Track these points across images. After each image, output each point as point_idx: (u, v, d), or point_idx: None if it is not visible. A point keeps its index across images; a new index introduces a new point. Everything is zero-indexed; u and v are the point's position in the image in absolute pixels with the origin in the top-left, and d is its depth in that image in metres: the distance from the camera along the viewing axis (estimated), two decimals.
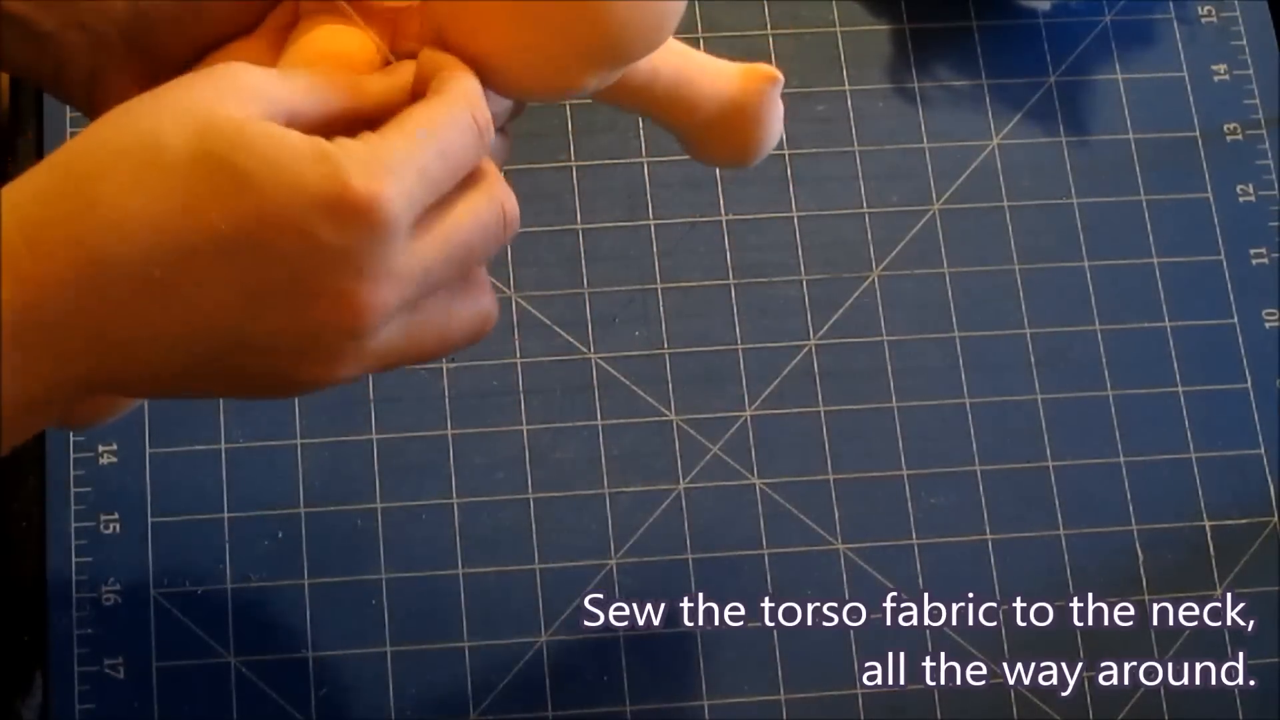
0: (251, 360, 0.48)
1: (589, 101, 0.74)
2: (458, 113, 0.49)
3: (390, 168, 0.46)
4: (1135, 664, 0.68)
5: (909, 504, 0.70)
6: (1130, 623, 0.69)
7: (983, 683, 0.67)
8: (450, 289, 0.50)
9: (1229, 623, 0.69)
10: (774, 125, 0.58)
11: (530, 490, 0.68)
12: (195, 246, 0.45)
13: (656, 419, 0.70)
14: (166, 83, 0.48)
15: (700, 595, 0.68)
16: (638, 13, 0.50)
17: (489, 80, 0.51)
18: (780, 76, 0.57)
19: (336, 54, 0.51)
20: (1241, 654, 0.68)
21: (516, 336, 0.70)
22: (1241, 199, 0.75)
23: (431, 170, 0.48)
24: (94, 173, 0.46)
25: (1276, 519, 0.71)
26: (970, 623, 0.68)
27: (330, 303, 0.47)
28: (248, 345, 0.48)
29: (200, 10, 0.53)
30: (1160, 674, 0.68)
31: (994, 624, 0.68)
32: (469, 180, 0.50)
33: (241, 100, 0.47)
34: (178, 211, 0.45)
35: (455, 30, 0.51)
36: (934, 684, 0.67)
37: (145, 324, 0.47)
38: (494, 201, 0.50)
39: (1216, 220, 0.75)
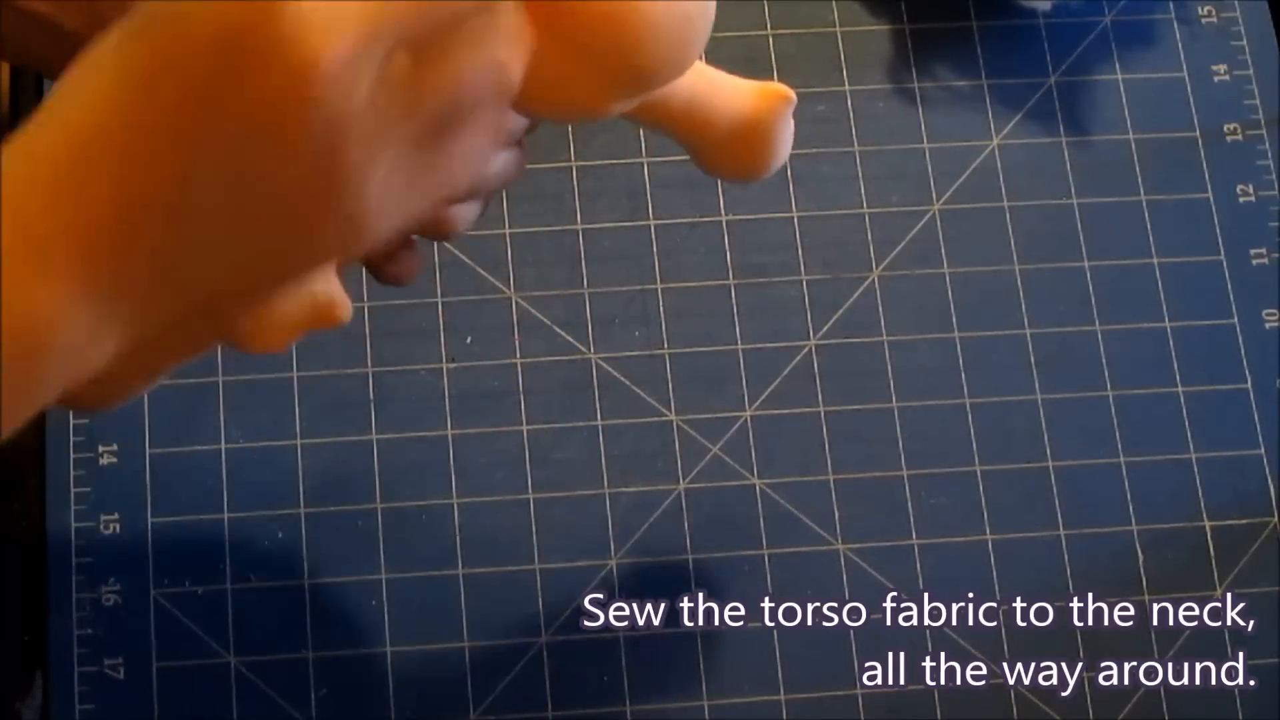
0: (247, 185, 0.45)
1: None
2: None
3: (336, 23, 0.42)
4: (1135, 664, 0.68)
5: (909, 504, 0.70)
6: (1130, 623, 0.69)
7: (983, 683, 0.67)
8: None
9: (1229, 623, 0.69)
10: (785, 143, 0.59)
11: (530, 490, 0.69)
12: (128, 90, 0.43)
13: (656, 419, 0.70)
14: None
15: (700, 595, 0.68)
16: (669, 44, 0.50)
17: (517, 103, 0.50)
18: (794, 96, 0.58)
19: None
20: (1241, 654, 0.68)
21: (516, 336, 0.71)
22: (1241, 199, 0.75)
23: (388, 26, 0.43)
24: (56, 87, 0.45)
25: (1276, 519, 0.71)
26: (970, 623, 0.68)
27: (266, 62, 0.42)
28: (227, 170, 0.44)
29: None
30: (1160, 674, 0.68)
31: (994, 624, 0.68)
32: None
33: None
34: (117, 61, 0.44)
35: None
36: (934, 684, 0.67)
37: (131, 193, 0.44)
38: (491, 57, 0.46)
39: (1216, 220, 0.75)
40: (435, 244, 0.71)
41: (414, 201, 0.48)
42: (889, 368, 0.71)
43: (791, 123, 0.58)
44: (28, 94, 0.72)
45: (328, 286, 0.53)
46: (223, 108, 0.43)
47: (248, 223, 0.46)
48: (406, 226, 0.49)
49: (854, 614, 0.68)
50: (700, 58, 0.53)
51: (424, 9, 0.44)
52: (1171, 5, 0.78)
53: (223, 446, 0.68)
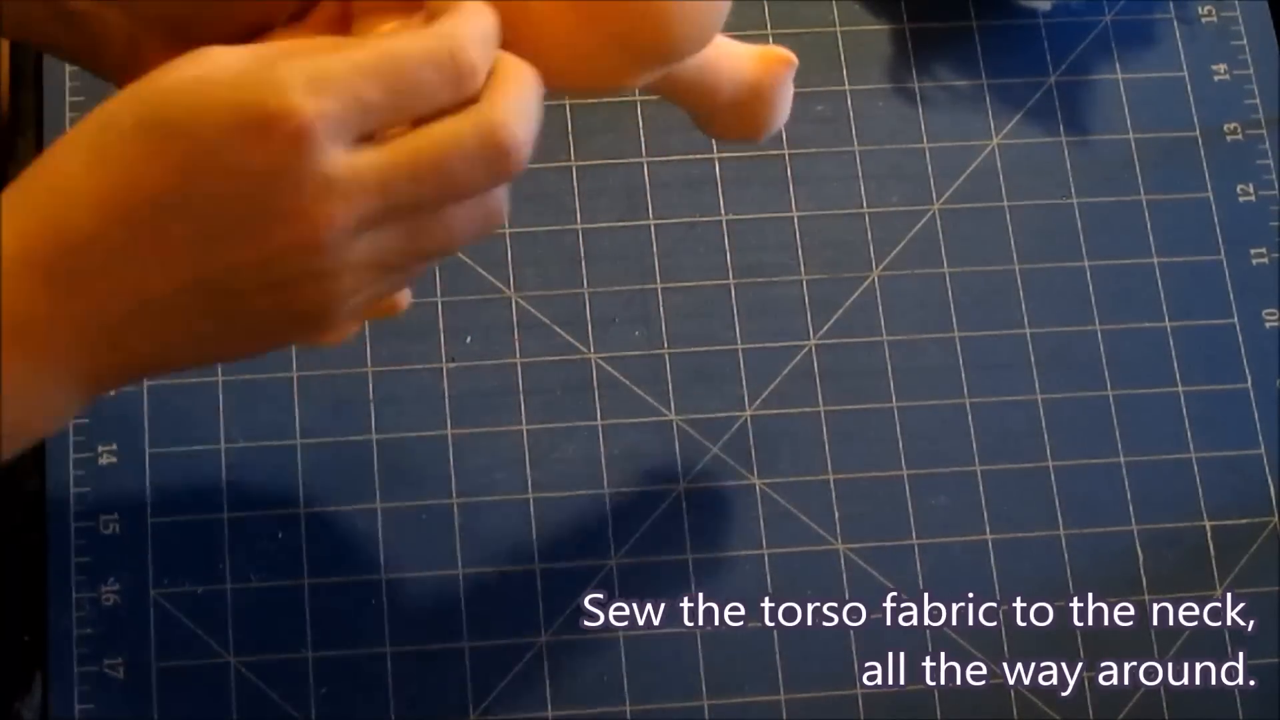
0: (237, 305, 0.49)
1: (589, 101, 0.74)
2: (429, 43, 0.48)
3: (313, 81, 0.46)
4: (1135, 664, 0.68)
5: (909, 504, 0.70)
6: (1130, 623, 0.69)
7: (983, 683, 0.67)
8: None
9: (1229, 623, 0.69)
10: (786, 105, 0.60)
11: (530, 490, 0.68)
12: (138, 204, 0.47)
13: (656, 419, 0.70)
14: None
15: (700, 595, 0.68)
16: (695, 17, 0.52)
17: (545, 81, 0.51)
18: (794, 59, 0.59)
19: None
20: (1241, 654, 0.68)
21: (516, 336, 0.70)
22: (1241, 199, 0.75)
23: (363, 90, 0.47)
24: (59, 156, 0.48)
25: (1276, 519, 0.71)
26: (970, 623, 0.68)
27: (279, 223, 0.47)
28: (223, 289, 0.48)
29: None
30: (1160, 674, 0.68)
31: (994, 624, 0.68)
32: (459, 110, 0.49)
33: (199, 65, 0.48)
34: (122, 175, 0.47)
35: (516, 29, 0.51)
36: (934, 684, 0.67)
37: (119, 292, 0.48)
38: (480, 123, 0.49)
39: (1216, 220, 0.75)
40: None
41: (391, 283, 0.52)
42: (889, 368, 0.71)
43: (791, 85, 0.59)
44: (28, 93, 0.72)
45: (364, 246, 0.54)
46: (236, 244, 0.47)
47: (237, 326, 0.50)
48: (397, 280, 0.53)
49: (854, 614, 0.68)
50: None
51: (423, 182, 0.48)
52: (1171, 5, 0.78)
53: (223, 446, 0.68)
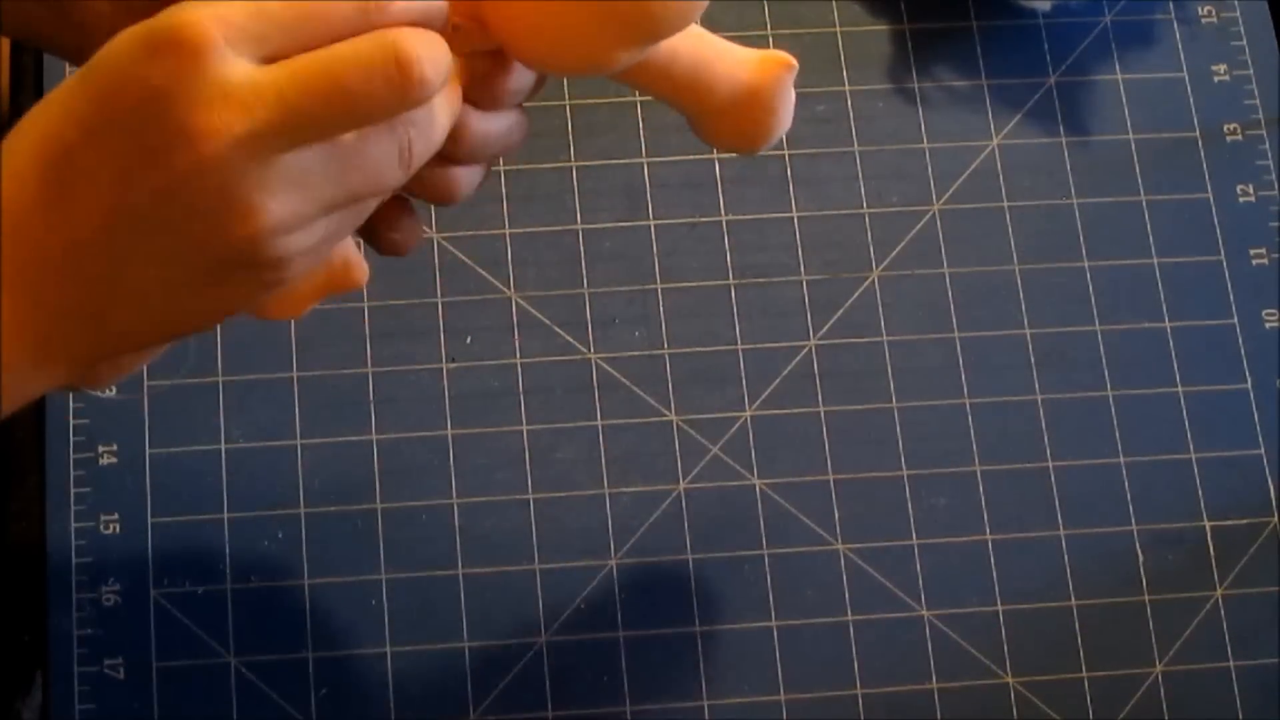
0: (167, 244, 0.48)
1: (589, 101, 0.74)
2: None
3: (219, 2, 0.46)
4: (1135, 664, 0.68)
5: (909, 504, 0.70)
6: (1130, 623, 0.69)
7: (983, 683, 0.67)
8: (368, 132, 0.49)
9: (1229, 623, 0.69)
10: (786, 112, 0.58)
11: (530, 490, 0.68)
12: (65, 138, 0.47)
13: (656, 419, 0.70)
14: None
15: (700, 595, 0.68)
16: None
17: (523, 55, 0.51)
18: (795, 63, 0.58)
19: None
20: (1241, 654, 0.68)
21: (516, 336, 0.70)
22: (1241, 199, 0.75)
23: (275, 14, 0.47)
24: (21, 120, 0.49)
25: (1276, 519, 0.71)
26: (970, 623, 0.68)
27: (180, 140, 0.46)
28: (146, 224, 0.47)
29: None
30: (1160, 674, 0.68)
31: (994, 624, 0.68)
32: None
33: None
34: (56, 115, 0.48)
35: (499, 9, 0.51)
36: (934, 684, 0.67)
37: (52, 233, 0.48)
38: (381, 41, 0.48)
39: (1216, 220, 0.75)
40: (435, 245, 0.71)
41: (346, 217, 0.50)
42: (889, 368, 0.71)
43: (792, 92, 0.58)
44: (28, 94, 0.72)
45: (344, 250, 0.54)
46: (142, 168, 0.47)
47: (175, 270, 0.48)
48: (331, 222, 0.51)
49: (854, 614, 0.68)
50: (698, 23, 0.54)
51: (323, 100, 0.47)
52: (1171, 5, 0.78)
53: (223, 446, 0.68)
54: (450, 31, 0.50)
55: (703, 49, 0.56)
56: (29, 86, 0.72)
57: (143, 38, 0.46)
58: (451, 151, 0.53)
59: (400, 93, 0.48)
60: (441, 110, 0.50)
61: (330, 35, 0.47)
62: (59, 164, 0.47)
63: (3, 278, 0.48)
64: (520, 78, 0.52)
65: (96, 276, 0.48)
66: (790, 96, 0.58)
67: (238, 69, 0.46)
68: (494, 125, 0.53)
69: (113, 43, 0.47)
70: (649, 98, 0.59)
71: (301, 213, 0.48)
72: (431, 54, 0.48)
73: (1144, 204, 0.75)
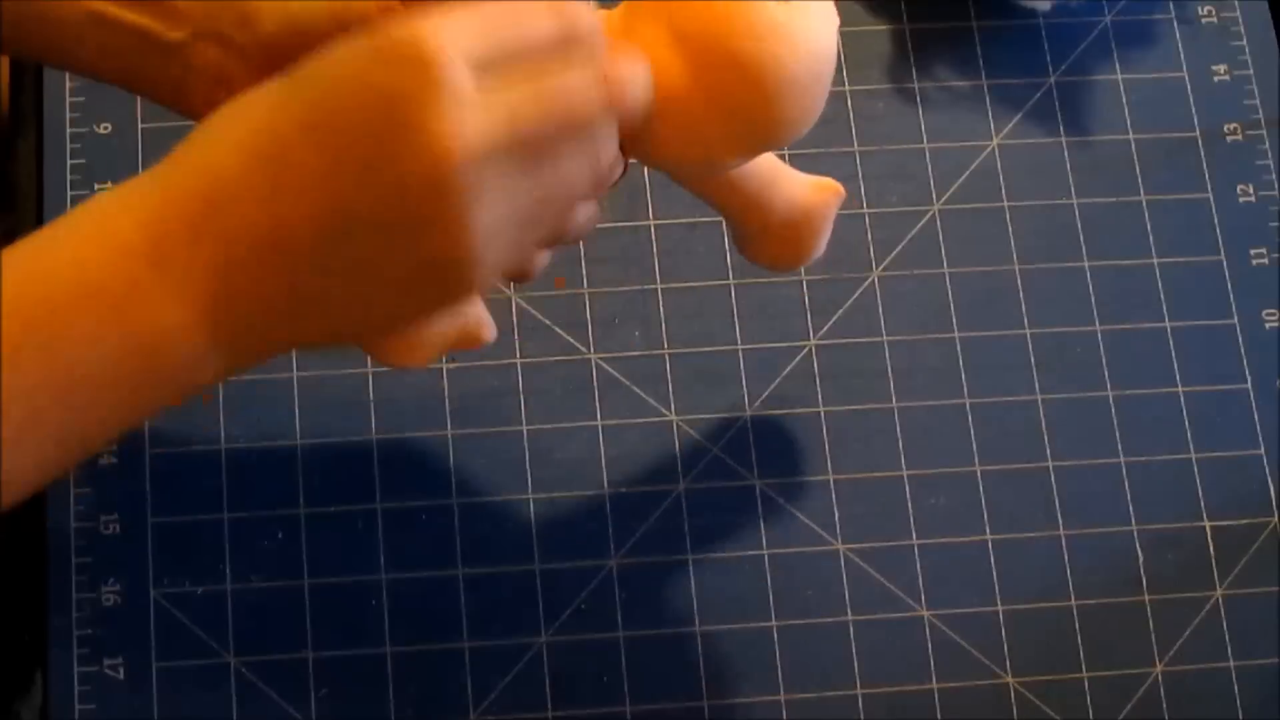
0: (370, 247, 0.49)
1: None
2: None
3: (430, 14, 0.48)
4: (1135, 664, 0.68)
5: (909, 504, 0.70)
6: (1130, 623, 0.69)
7: (983, 683, 0.67)
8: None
9: (1229, 623, 0.69)
10: (827, 234, 0.63)
11: (530, 490, 0.69)
12: (281, 138, 0.48)
13: (656, 419, 0.70)
14: None
15: (700, 595, 0.68)
16: (805, 106, 0.54)
17: (647, 150, 0.54)
18: (843, 191, 0.62)
19: None
20: (1241, 654, 0.68)
21: (516, 337, 0.71)
22: (1241, 199, 0.75)
23: (490, 23, 0.48)
24: (203, 125, 0.50)
25: (1276, 519, 0.71)
26: (970, 623, 0.68)
27: (413, 139, 0.47)
28: (356, 225, 0.48)
29: (350, 26, 0.54)
30: (1160, 674, 0.68)
31: (994, 624, 0.68)
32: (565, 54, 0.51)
33: None
34: (265, 117, 0.49)
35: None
36: (934, 684, 0.67)
37: (256, 226, 0.48)
38: (597, 67, 0.50)
39: (1216, 220, 0.75)
40: None
41: (517, 249, 0.52)
42: (889, 368, 0.71)
43: (834, 218, 0.63)
44: (28, 94, 0.72)
45: (476, 310, 0.56)
46: (368, 169, 0.47)
47: (370, 274, 0.49)
48: (506, 270, 0.54)
49: (854, 614, 0.68)
50: None
51: (547, 117, 0.49)
52: (1171, 5, 0.78)
53: (223, 446, 0.68)
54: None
55: (772, 169, 0.60)
56: (29, 87, 0.72)
57: (377, 47, 0.47)
58: (562, 235, 0.55)
59: (614, 117, 0.51)
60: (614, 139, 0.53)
61: (537, 49, 0.49)
62: (272, 159, 0.48)
63: (187, 266, 0.48)
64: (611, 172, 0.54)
65: (291, 272, 0.49)
66: (832, 221, 0.63)
67: (467, 80, 0.47)
68: (580, 215, 0.56)
69: (329, 55, 0.48)
70: None
71: (501, 233, 0.50)
72: (641, 86, 0.52)
73: (1144, 204, 0.75)
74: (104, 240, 0.48)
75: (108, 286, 0.48)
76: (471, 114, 0.47)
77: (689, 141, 0.54)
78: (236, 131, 0.49)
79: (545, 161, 0.50)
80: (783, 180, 0.61)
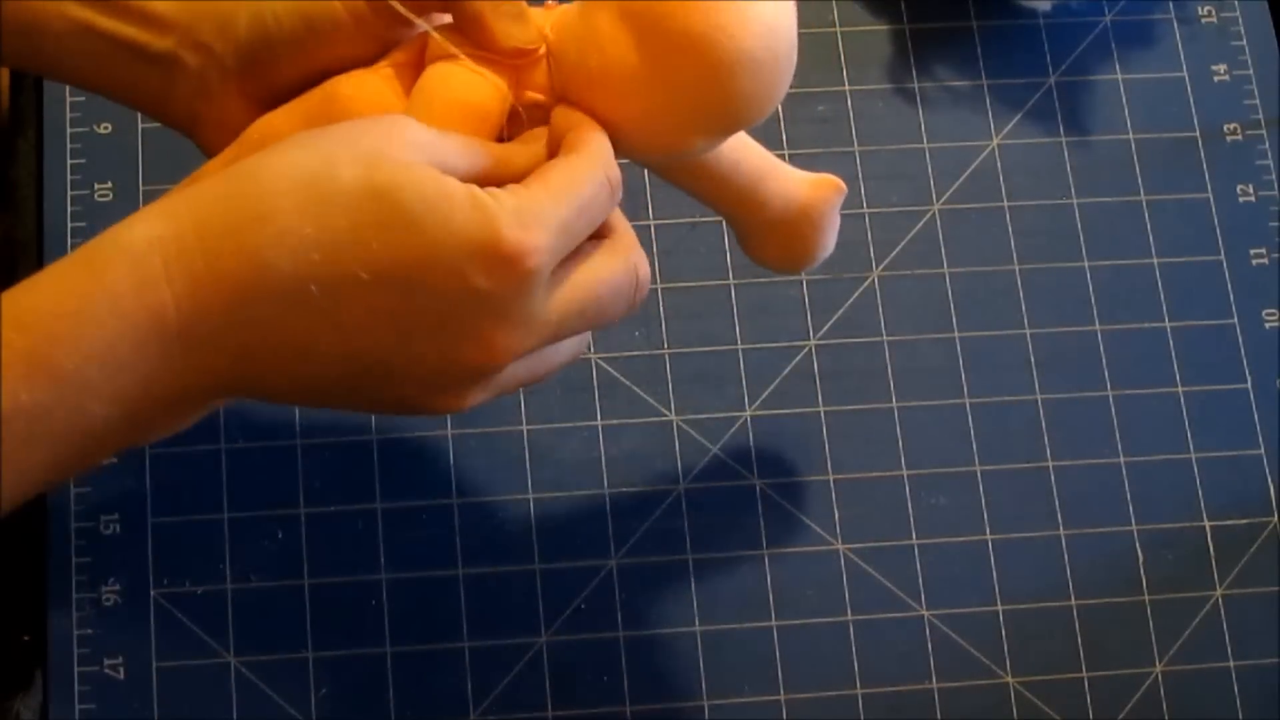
0: (387, 386, 0.51)
1: None
2: (596, 170, 0.52)
3: (539, 220, 0.49)
4: (1135, 664, 0.68)
5: (909, 504, 0.70)
6: (1130, 623, 0.69)
7: (983, 683, 0.67)
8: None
9: (1229, 623, 0.69)
10: (832, 234, 0.63)
11: (530, 490, 0.68)
12: (353, 273, 0.48)
13: (656, 419, 0.70)
14: (337, 123, 0.51)
15: (700, 595, 0.68)
16: (760, 82, 0.53)
17: (616, 142, 0.54)
18: (845, 187, 0.62)
19: (467, 103, 0.53)
20: (1241, 654, 0.68)
21: None
22: (1241, 199, 0.75)
23: (572, 225, 0.51)
24: (269, 192, 0.49)
25: (1276, 519, 0.71)
26: (970, 623, 0.68)
27: (472, 343, 0.50)
28: (388, 373, 0.50)
29: (321, 37, 0.55)
30: (1160, 674, 0.68)
31: (994, 624, 0.68)
32: (603, 238, 0.54)
33: (407, 146, 0.50)
34: (343, 236, 0.48)
35: (585, 91, 0.53)
36: (934, 684, 0.67)
37: (294, 338, 0.49)
38: (629, 264, 0.54)
39: (1216, 220, 0.75)
40: None
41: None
42: (889, 368, 0.71)
43: (839, 215, 0.62)
44: (28, 94, 0.72)
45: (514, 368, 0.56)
46: (431, 336, 0.50)
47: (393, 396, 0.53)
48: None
49: (854, 614, 0.68)
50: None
51: (583, 319, 0.53)
52: (1171, 5, 0.78)
53: (223, 446, 0.68)
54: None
55: (763, 164, 0.60)
56: (29, 87, 0.72)
57: (483, 242, 0.48)
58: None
59: (631, 309, 0.55)
60: None
61: (593, 227, 0.53)
62: (331, 289, 0.48)
63: (214, 360, 0.49)
64: None
65: (317, 391, 0.52)
66: (836, 220, 0.62)
67: (542, 298, 0.51)
68: None
69: (436, 209, 0.49)
70: None
71: (496, 394, 0.53)
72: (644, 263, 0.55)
73: (1144, 204, 0.75)
74: (141, 306, 0.48)
75: (133, 360, 0.48)
76: (526, 332, 0.50)
77: (652, 128, 0.54)
78: (303, 234, 0.48)
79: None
80: (777, 176, 0.61)
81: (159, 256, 0.48)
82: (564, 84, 0.54)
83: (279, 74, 0.55)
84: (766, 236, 0.62)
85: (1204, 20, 0.78)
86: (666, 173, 0.60)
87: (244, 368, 0.50)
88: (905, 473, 0.70)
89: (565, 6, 0.55)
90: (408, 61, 0.55)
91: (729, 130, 0.56)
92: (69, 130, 0.71)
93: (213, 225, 0.49)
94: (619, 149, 0.54)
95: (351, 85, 0.54)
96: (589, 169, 0.52)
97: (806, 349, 0.72)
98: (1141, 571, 0.70)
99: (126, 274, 0.48)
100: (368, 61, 0.55)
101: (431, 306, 0.49)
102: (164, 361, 0.48)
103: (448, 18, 0.55)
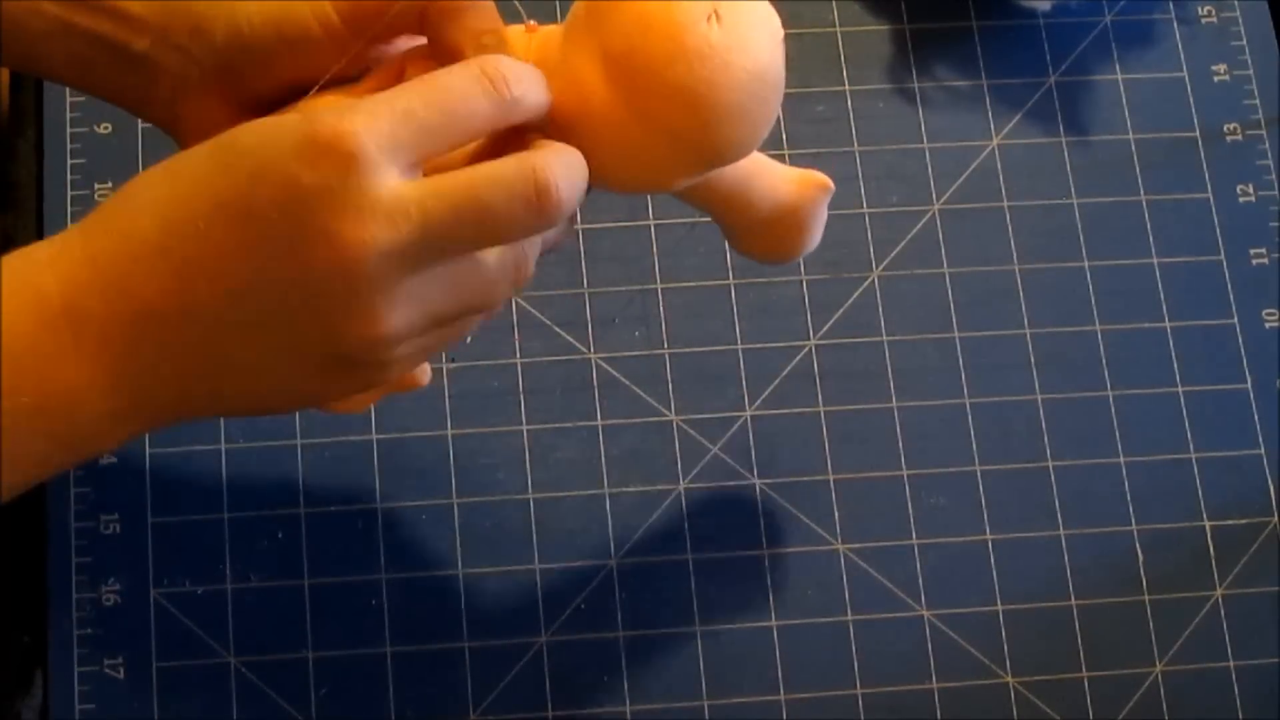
0: (281, 331, 0.50)
1: None
2: (458, 68, 0.50)
3: (360, 108, 0.48)
4: (1135, 664, 0.68)
5: (909, 504, 0.70)
6: (1130, 623, 0.69)
7: (983, 683, 0.67)
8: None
9: (1229, 623, 0.69)
10: (819, 229, 0.62)
11: (530, 490, 0.69)
12: (199, 211, 0.49)
13: (656, 419, 0.70)
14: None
15: (700, 595, 0.68)
16: (745, 128, 0.53)
17: (594, 178, 0.53)
18: (831, 185, 0.61)
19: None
20: (1242, 654, 0.68)
21: (516, 336, 0.70)
22: (1241, 199, 0.75)
23: (418, 114, 0.49)
24: (139, 181, 0.51)
25: (1276, 519, 0.71)
26: (970, 623, 0.68)
27: (322, 242, 0.48)
28: (269, 310, 0.49)
29: (294, 45, 0.55)
30: (1160, 674, 0.68)
31: (994, 624, 0.68)
32: (504, 150, 0.51)
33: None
34: (188, 187, 0.49)
35: (570, 123, 0.52)
36: (934, 684, 0.67)
37: (167, 293, 0.49)
38: (523, 165, 0.50)
39: (1216, 220, 0.75)
40: None
41: (436, 337, 0.53)
42: (889, 368, 0.71)
43: (825, 211, 0.61)
44: (28, 94, 0.72)
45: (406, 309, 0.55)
46: (277, 259, 0.48)
47: (284, 355, 0.50)
48: (429, 351, 0.54)
49: (854, 614, 0.68)
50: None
51: (460, 220, 0.49)
52: (1171, 5, 0.78)
53: (223, 446, 0.68)
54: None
55: (747, 165, 0.58)
56: (29, 87, 0.72)
57: (299, 137, 0.48)
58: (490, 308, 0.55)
59: (537, 216, 0.50)
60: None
61: (470, 134, 0.50)
62: (185, 233, 0.49)
63: (102, 328, 0.49)
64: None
65: (201, 345, 0.50)
66: (824, 215, 0.61)
67: (388, 181, 0.48)
68: (551, 235, 0.56)
69: (261, 132, 0.49)
70: None
71: (416, 324, 0.50)
72: (569, 179, 0.50)
73: (1144, 204, 0.75)
74: (26, 295, 0.49)
75: (26, 344, 0.49)
76: (381, 217, 0.48)
77: (632, 168, 0.53)
78: (159, 197, 0.50)
79: (463, 257, 0.50)
80: (763, 175, 0.60)
81: (44, 253, 0.50)
82: (550, 120, 0.53)
83: (257, 80, 0.56)
84: (754, 234, 0.62)
85: (1204, 20, 0.78)
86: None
87: (133, 349, 0.50)
88: (905, 473, 0.70)
89: (546, 31, 0.55)
90: (386, 85, 0.54)
91: (714, 168, 0.55)
92: (69, 130, 0.71)
93: (91, 219, 0.51)
94: (607, 187, 0.54)
95: (326, 105, 0.54)
96: (452, 70, 0.50)
97: (806, 349, 0.72)
98: (1141, 571, 0.70)
99: (17, 270, 0.50)
100: (349, 79, 0.55)
101: (274, 219, 0.48)
102: (56, 346, 0.49)
103: (422, 40, 0.55)
